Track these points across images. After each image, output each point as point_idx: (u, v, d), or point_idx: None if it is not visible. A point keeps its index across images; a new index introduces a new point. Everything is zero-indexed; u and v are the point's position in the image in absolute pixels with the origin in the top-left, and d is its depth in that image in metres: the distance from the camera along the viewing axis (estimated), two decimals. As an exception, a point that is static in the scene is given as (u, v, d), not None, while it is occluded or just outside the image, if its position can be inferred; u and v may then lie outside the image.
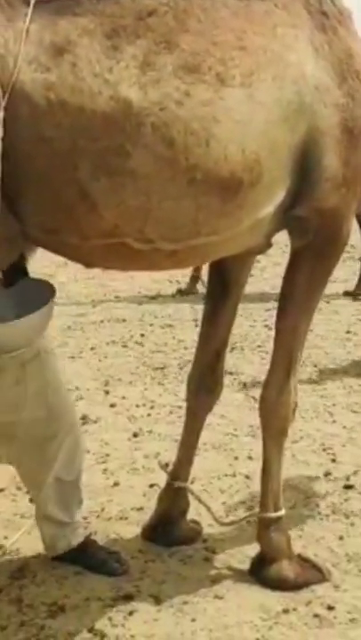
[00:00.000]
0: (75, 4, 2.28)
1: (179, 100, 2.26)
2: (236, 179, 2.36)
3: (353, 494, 3.56)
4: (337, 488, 3.61)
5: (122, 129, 2.23)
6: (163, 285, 7.87)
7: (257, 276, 7.33)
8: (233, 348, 5.49)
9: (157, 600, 2.76)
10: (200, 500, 3.17)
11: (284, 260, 2.91)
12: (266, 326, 6.14)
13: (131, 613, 2.69)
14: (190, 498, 3.17)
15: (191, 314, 6.60)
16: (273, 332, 2.88)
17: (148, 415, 4.55)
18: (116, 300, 7.44)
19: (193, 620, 2.66)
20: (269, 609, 2.72)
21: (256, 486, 3.11)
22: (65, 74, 2.23)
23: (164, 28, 2.29)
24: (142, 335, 6.25)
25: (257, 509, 2.98)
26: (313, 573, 2.90)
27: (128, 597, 2.76)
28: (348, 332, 6.35)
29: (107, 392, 4.94)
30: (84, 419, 4.39)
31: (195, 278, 7.48)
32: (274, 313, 2.86)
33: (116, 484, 3.64)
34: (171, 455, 3.41)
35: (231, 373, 4.98)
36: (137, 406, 4.69)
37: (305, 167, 2.51)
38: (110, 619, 2.66)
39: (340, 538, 3.18)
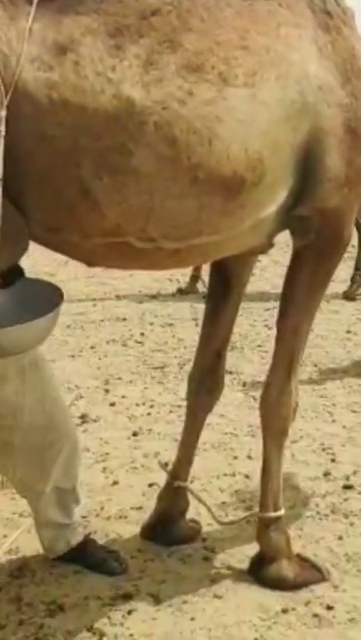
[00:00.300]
0: (78, 3, 2.27)
1: (181, 99, 2.25)
2: (238, 178, 2.36)
3: (352, 494, 3.56)
4: (336, 488, 3.61)
5: (124, 128, 2.23)
6: (163, 284, 7.85)
7: (257, 275, 7.32)
8: (233, 348, 5.47)
9: (156, 599, 2.76)
10: (200, 500, 3.17)
11: (285, 259, 2.90)
12: (266, 326, 6.14)
13: (130, 612, 2.70)
14: (190, 497, 3.17)
15: (191, 313, 6.59)
16: (273, 332, 2.88)
17: (148, 414, 4.55)
18: (117, 298, 7.43)
19: (192, 620, 2.67)
20: (268, 609, 2.73)
21: (256, 486, 3.11)
22: (68, 73, 2.22)
23: (168, 28, 2.28)
24: (142, 334, 6.24)
25: (256, 509, 2.99)
26: (312, 573, 2.90)
27: (127, 596, 2.77)
28: (348, 331, 6.34)
29: (107, 391, 4.93)
30: (84, 417, 4.39)
31: (195, 277, 7.47)
32: (274, 312, 2.85)
33: (115, 482, 3.64)
34: (170, 454, 3.41)
35: (231, 373, 4.97)
36: (137, 405, 4.69)
37: (308, 167, 2.51)
38: (109, 618, 2.67)
39: (340, 538, 3.19)
